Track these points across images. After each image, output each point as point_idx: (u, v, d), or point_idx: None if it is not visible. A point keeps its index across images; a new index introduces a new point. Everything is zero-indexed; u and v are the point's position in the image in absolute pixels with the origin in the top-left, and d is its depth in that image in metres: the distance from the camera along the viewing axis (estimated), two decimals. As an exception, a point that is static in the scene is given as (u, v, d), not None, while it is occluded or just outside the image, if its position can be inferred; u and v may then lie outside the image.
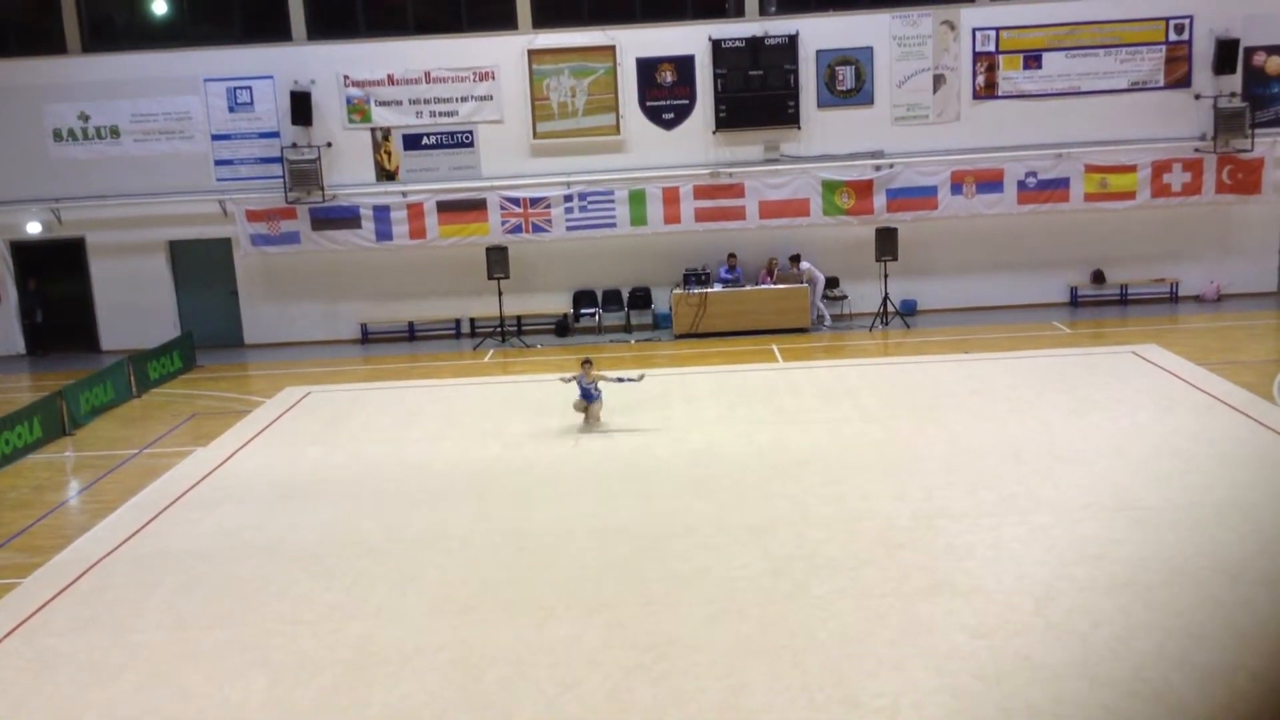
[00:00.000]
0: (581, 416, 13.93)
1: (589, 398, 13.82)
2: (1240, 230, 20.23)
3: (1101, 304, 20.36)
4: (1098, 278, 20.38)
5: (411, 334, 20.74)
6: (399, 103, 19.97)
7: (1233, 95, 19.53)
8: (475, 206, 20.02)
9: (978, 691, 7.30)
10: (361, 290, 20.60)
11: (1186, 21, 19.54)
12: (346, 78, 19.87)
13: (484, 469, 12.54)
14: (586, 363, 14.03)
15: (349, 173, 20.11)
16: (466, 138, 20.12)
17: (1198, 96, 19.64)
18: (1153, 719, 6.95)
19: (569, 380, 13.93)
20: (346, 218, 20.02)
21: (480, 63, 19.89)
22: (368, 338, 20.69)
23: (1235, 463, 11.35)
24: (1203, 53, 19.55)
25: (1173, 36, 19.60)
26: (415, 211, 19.99)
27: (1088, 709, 7.06)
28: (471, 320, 20.69)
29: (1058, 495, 10.70)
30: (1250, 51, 19.61)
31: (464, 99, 19.97)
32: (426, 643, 8.36)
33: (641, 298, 20.58)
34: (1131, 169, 19.74)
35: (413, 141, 20.11)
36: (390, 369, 18.43)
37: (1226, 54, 19.34)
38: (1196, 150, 19.68)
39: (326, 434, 14.37)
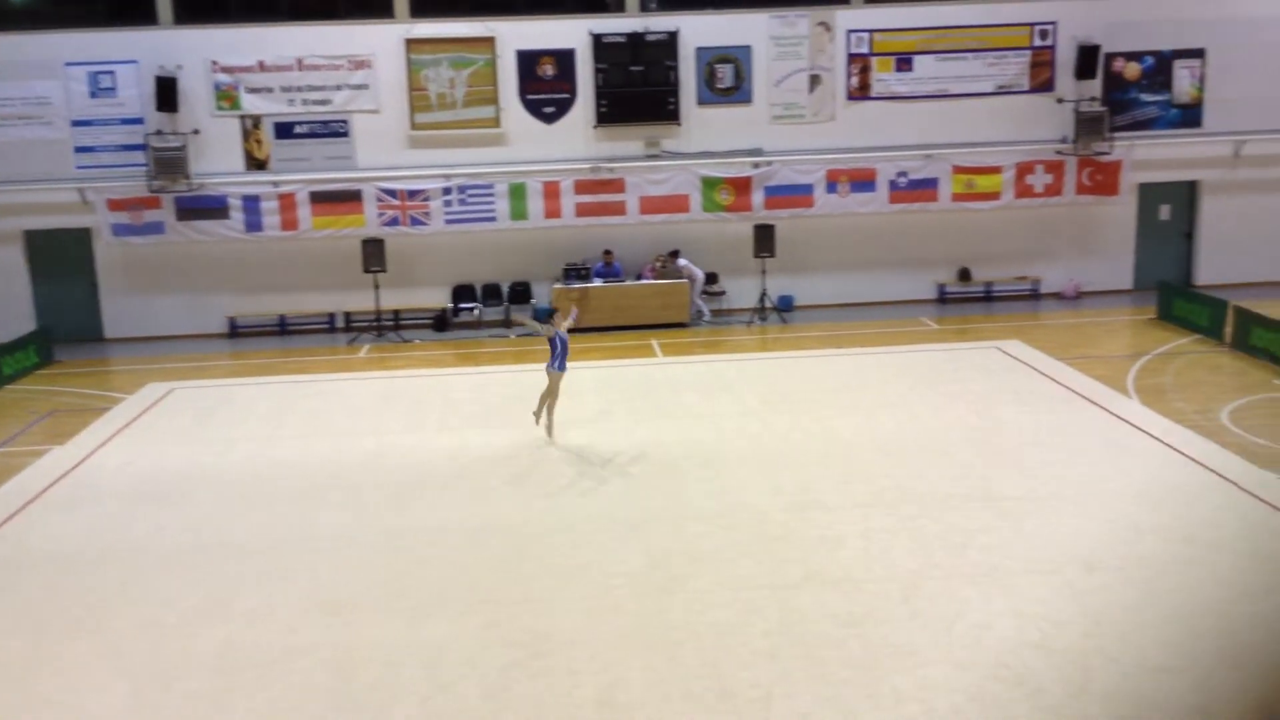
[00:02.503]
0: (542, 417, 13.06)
1: (563, 363, 12.70)
2: (1098, 230, 21.06)
3: (967, 300, 20.97)
4: (964, 275, 21.01)
5: (283, 328, 20.22)
6: (270, 90, 19.42)
7: (1093, 100, 20.29)
8: (350, 198, 19.60)
9: (847, 679, 7.48)
10: (230, 282, 19.98)
11: (1050, 27, 20.25)
12: (215, 63, 19.24)
13: (358, 467, 12.31)
14: (557, 314, 13.19)
15: (217, 161, 19.48)
16: (341, 127, 19.69)
17: (1060, 100, 20.36)
18: (1014, 702, 7.22)
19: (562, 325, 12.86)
20: (214, 208, 19.40)
21: (356, 51, 19.47)
22: (236, 332, 20.10)
23: (1091, 454, 11.83)
24: (1065, 58, 20.25)
25: (1037, 42, 20.29)
26: (287, 202, 19.49)
27: (952, 693, 7.29)
28: (347, 314, 20.27)
29: (924, 486, 11.01)
30: (1110, 57, 20.40)
31: (339, 87, 19.54)
32: (295, 645, 8.19)
33: (521, 292, 20.44)
34: (997, 170, 20.38)
35: (284, 130, 19.58)
36: (260, 364, 17.94)
37: (1087, 60, 20.07)
38: (1058, 152, 20.41)
39: (192, 431, 13.94)
